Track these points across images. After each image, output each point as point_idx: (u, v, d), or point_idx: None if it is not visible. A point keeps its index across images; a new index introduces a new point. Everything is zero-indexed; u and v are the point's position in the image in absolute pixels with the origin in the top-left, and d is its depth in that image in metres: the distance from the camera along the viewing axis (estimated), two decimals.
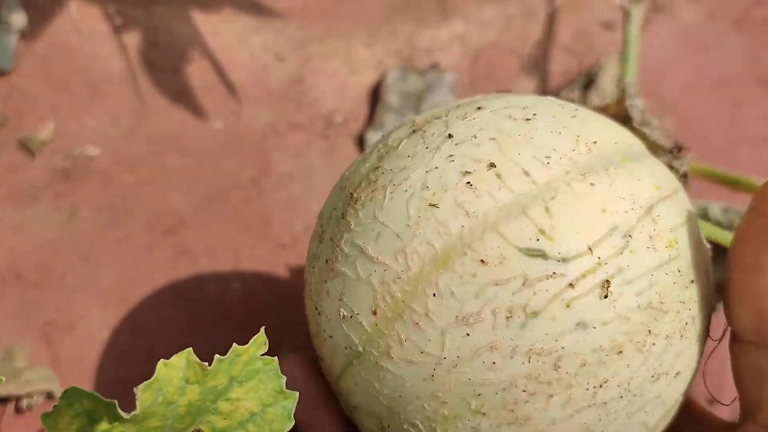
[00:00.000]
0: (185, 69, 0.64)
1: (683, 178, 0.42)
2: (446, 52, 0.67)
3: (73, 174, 0.60)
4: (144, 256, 0.58)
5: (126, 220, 0.59)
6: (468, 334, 0.31)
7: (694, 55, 0.69)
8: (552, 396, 0.32)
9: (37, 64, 0.63)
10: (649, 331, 0.32)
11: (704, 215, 0.53)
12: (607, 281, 0.32)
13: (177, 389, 0.33)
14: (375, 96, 0.65)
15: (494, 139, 0.33)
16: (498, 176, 0.32)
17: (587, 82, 0.65)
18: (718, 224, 0.55)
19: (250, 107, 0.64)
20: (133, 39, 0.65)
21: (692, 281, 0.35)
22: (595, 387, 0.32)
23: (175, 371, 0.33)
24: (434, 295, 0.32)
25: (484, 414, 0.32)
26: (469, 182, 0.32)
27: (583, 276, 0.31)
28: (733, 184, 0.50)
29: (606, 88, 0.64)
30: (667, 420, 0.37)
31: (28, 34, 0.64)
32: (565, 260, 0.31)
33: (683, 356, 0.35)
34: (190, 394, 0.34)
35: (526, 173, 0.32)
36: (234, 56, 0.65)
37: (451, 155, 0.33)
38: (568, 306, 0.31)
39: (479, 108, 0.36)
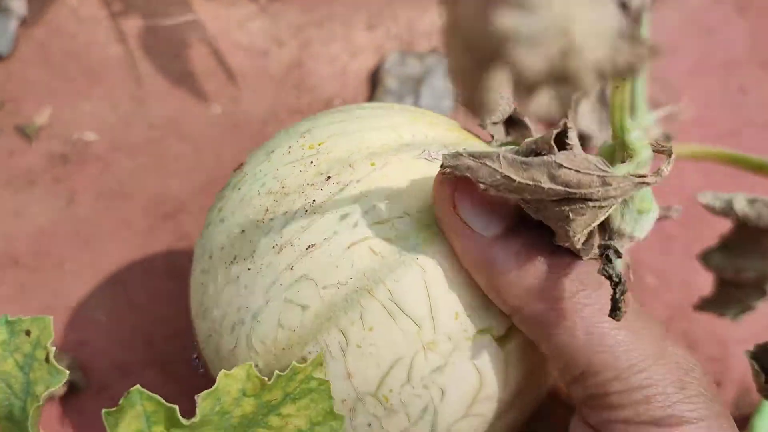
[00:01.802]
0: (184, 54, 0.64)
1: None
2: None
3: (71, 159, 0.60)
4: (143, 241, 0.58)
5: (124, 205, 0.59)
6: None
7: (698, 39, 0.68)
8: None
9: (36, 49, 0.63)
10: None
11: (729, 208, 0.50)
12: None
13: (234, 400, 0.34)
14: (374, 80, 0.65)
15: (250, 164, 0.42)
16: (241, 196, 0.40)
17: None
18: (745, 217, 0.53)
19: (249, 93, 0.64)
20: (131, 24, 0.65)
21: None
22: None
23: (235, 383, 0.34)
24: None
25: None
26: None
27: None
28: (759, 169, 0.48)
29: None
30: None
31: (27, 20, 0.64)
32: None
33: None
34: (245, 406, 0.35)
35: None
36: (233, 41, 0.65)
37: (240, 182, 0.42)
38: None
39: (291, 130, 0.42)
